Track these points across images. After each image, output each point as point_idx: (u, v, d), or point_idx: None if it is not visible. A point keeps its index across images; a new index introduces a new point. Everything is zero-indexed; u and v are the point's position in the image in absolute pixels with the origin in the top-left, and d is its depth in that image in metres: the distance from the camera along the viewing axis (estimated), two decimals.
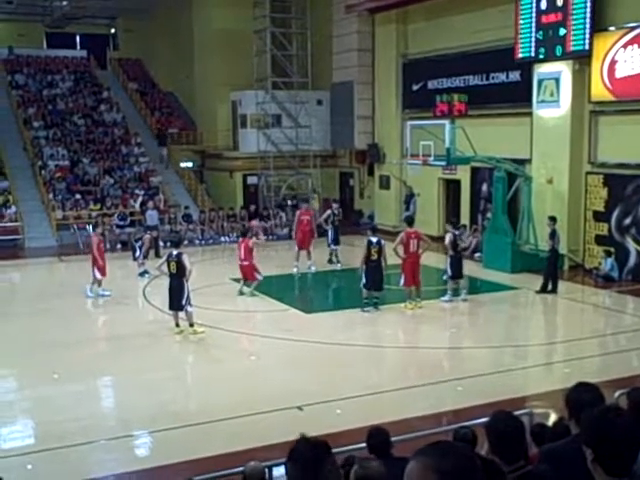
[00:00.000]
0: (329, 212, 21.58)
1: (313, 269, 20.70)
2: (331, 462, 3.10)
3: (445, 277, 17.12)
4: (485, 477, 2.33)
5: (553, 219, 17.92)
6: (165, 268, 14.54)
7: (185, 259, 14.32)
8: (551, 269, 17.66)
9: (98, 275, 17.71)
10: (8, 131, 30.86)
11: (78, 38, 44.67)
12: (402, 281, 16.36)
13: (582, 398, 4.16)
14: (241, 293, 17.69)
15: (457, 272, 16.86)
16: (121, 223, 25.77)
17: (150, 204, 24.37)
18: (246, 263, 17.57)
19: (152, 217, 23.63)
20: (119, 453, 9.38)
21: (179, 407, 10.82)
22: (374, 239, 16.03)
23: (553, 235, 17.56)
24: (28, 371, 12.52)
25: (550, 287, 17.54)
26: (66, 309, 16.97)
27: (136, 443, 9.82)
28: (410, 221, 17.27)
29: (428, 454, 2.30)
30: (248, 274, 17.64)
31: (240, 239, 18.38)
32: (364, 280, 15.99)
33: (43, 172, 28.75)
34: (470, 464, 2.29)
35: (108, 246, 25.09)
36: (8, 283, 21.71)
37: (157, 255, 21.47)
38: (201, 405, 11.04)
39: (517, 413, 4.39)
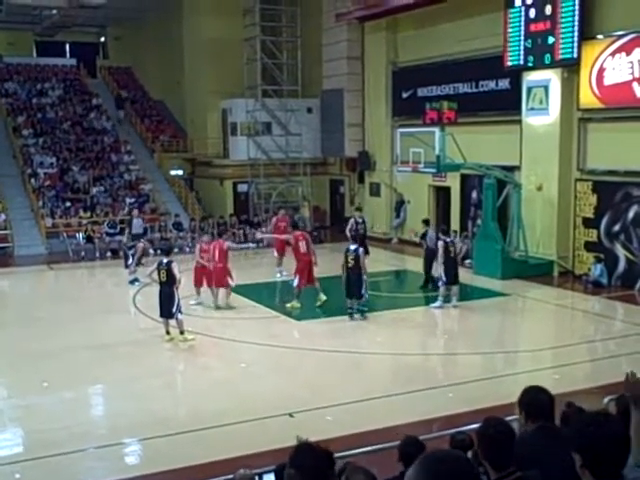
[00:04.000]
0: (352, 221, 21.53)
1: (285, 274, 20.31)
2: (332, 474, 3.03)
3: (440, 284, 17.12)
4: None
5: (426, 222, 20.04)
6: (155, 276, 14.52)
7: (174, 267, 14.32)
8: (426, 267, 18.85)
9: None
10: None
11: (68, 46, 44.59)
12: (296, 282, 16.91)
13: (537, 399, 4.27)
14: (217, 307, 17.14)
15: (452, 278, 16.89)
16: (111, 231, 25.68)
17: (134, 212, 24.29)
18: (220, 265, 16.98)
19: (136, 225, 23.50)
20: (109, 461, 9.33)
21: (169, 415, 10.78)
22: (352, 247, 16.03)
23: (424, 236, 19.13)
24: (17, 379, 12.46)
25: (423, 282, 18.86)
26: (55, 317, 16.90)
27: (126, 451, 9.78)
28: (294, 225, 18.54)
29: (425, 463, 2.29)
30: (220, 277, 17.03)
31: (214, 241, 17.91)
32: (343, 288, 16.06)
33: (33, 180, 28.68)
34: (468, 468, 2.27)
35: (98, 254, 25.10)
36: None
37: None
38: (191, 412, 11.00)
39: (507, 419, 4.40)
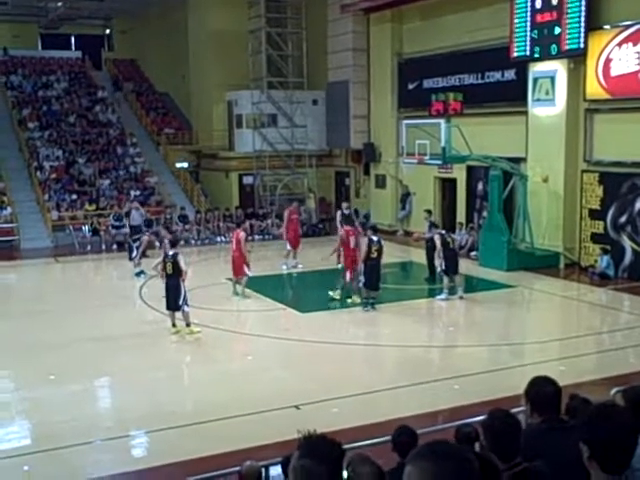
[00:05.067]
0: (340, 212, 21.61)
1: (294, 265, 20.74)
2: (341, 465, 3.00)
3: (441, 274, 17.08)
4: (482, 477, 2.30)
5: (429, 212, 20.10)
6: (161, 268, 14.51)
7: (181, 259, 14.33)
8: (430, 258, 18.68)
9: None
10: (3, 132, 30.86)
11: (73, 39, 44.59)
12: (348, 276, 16.72)
13: (544, 391, 4.25)
14: (236, 293, 17.63)
15: (453, 269, 16.85)
16: (116, 223, 25.68)
17: (134, 204, 24.32)
18: (236, 254, 17.36)
19: (135, 217, 23.50)
20: (115, 453, 9.36)
21: (175, 407, 10.79)
22: (375, 238, 16.06)
23: (431, 227, 18.89)
24: (24, 372, 12.49)
25: (428, 274, 18.90)
26: (62, 310, 16.94)
27: (132, 443, 9.80)
28: (346, 220, 18.26)
29: (426, 457, 2.25)
30: (237, 267, 17.37)
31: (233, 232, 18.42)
32: (363, 279, 16.01)
33: (38, 173, 28.71)
34: (469, 466, 2.26)
35: (104, 247, 25.13)
36: (4, 284, 21.67)
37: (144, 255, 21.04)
38: (197, 405, 11.03)
39: (513, 411, 4.39)
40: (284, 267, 20.73)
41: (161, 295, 14.81)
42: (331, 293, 17.01)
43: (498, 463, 3.70)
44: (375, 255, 15.91)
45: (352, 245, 16.85)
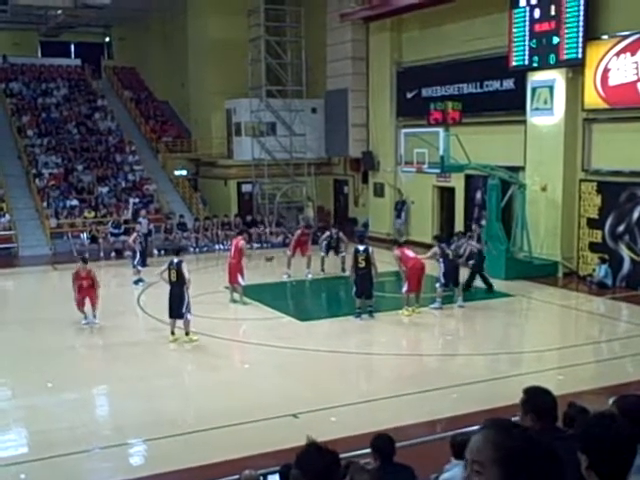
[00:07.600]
0: (327, 234, 21.58)
1: (310, 277, 20.75)
2: (338, 475, 3.04)
3: (437, 285, 17.06)
4: (544, 464, 2.32)
5: (460, 233, 20.48)
6: (166, 275, 14.51)
7: (184, 268, 14.35)
8: (476, 270, 18.65)
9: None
10: (2, 139, 30.88)
11: (72, 47, 44.68)
12: (405, 287, 16.39)
13: (544, 401, 4.27)
14: (233, 301, 17.62)
15: (450, 280, 16.86)
16: (115, 231, 25.69)
17: (142, 212, 24.39)
18: (234, 261, 17.48)
19: (143, 225, 23.50)
20: (114, 462, 9.35)
21: (174, 415, 10.78)
22: (361, 247, 16.08)
23: (479, 239, 19.49)
24: (22, 380, 12.46)
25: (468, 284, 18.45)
26: (60, 317, 16.89)
27: (131, 452, 9.78)
28: (400, 243, 17.91)
29: (491, 427, 2.33)
30: (232, 275, 17.49)
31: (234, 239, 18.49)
32: (354, 288, 16.02)
33: (37, 180, 28.71)
34: (532, 446, 2.29)
35: (102, 254, 25.11)
36: (2, 291, 21.65)
37: (144, 264, 21.13)
38: (196, 413, 11.02)
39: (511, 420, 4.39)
40: (285, 277, 20.66)
41: (160, 303, 14.77)
42: (400, 312, 16.46)
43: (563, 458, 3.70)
44: (363, 265, 15.88)
45: (411, 255, 16.59)
